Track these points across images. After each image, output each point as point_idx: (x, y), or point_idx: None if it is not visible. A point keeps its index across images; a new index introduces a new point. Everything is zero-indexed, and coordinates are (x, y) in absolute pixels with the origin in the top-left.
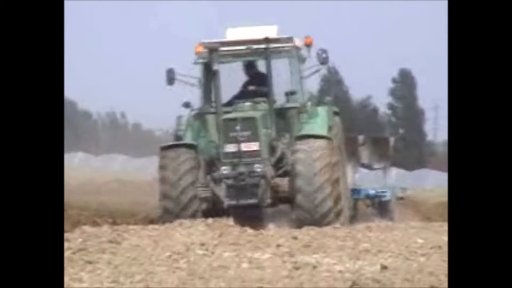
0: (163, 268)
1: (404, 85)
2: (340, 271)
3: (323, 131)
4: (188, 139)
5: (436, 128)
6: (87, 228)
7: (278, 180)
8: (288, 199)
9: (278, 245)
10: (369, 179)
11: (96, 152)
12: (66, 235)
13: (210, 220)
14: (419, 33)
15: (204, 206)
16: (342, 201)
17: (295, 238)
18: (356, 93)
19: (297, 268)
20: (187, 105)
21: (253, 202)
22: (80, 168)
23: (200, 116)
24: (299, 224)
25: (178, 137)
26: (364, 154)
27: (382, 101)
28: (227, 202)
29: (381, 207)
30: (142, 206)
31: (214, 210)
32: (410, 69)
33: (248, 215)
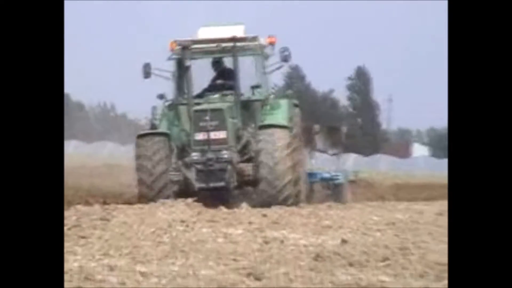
0: (148, 242)
1: (360, 80)
2: (304, 245)
3: (284, 122)
4: (162, 128)
5: (389, 117)
6: (80, 207)
7: (243, 165)
8: (252, 183)
9: (250, 222)
10: (327, 163)
11: (88, 139)
12: None
13: (189, 200)
14: (375, 31)
15: (176, 188)
16: (300, 185)
17: (264, 215)
18: (319, 88)
19: (266, 243)
20: (161, 96)
21: (220, 184)
22: (74, 154)
23: (173, 107)
24: (263, 205)
25: (153, 126)
26: (319, 141)
27: (342, 95)
28: (197, 184)
29: (334, 189)
30: (129, 188)
31: (185, 192)
32: (365, 65)
33: (216, 196)
